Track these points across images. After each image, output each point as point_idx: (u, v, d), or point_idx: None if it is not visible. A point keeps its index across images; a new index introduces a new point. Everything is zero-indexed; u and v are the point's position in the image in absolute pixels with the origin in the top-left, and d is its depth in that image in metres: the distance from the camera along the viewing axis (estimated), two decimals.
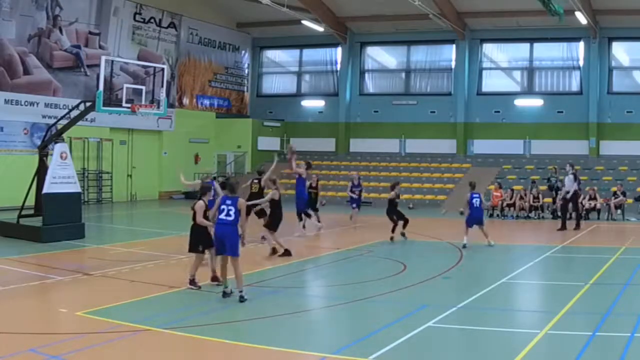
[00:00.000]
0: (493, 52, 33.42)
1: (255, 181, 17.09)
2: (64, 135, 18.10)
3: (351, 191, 21.08)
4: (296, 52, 37.15)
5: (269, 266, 13.55)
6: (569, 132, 30.69)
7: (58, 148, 17.03)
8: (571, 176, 21.06)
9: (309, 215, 18.75)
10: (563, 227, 20.62)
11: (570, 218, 22.15)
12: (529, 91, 32.23)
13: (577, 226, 20.85)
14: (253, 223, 15.77)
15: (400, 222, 17.50)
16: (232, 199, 10.11)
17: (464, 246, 15.89)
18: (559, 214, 23.94)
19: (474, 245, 16.86)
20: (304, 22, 31.36)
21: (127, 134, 30.00)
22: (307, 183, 18.88)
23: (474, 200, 16.55)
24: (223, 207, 10.05)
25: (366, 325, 9.09)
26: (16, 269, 12.82)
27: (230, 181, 10.88)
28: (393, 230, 17.39)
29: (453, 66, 33.22)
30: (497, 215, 24.68)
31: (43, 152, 17.65)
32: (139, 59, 28.29)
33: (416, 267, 13.69)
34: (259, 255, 14.75)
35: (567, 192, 20.97)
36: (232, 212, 10.00)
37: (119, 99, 17.58)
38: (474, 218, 16.61)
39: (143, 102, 17.89)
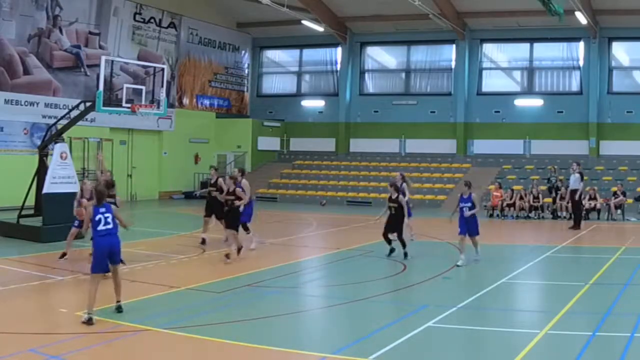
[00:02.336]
0: (493, 52, 33.41)
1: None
2: (64, 135, 18.10)
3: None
4: (296, 52, 37.14)
5: (269, 266, 13.55)
6: (569, 132, 30.68)
7: (58, 148, 17.04)
8: (577, 175, 21.08)
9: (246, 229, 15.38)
10: (576, 225, 20.70)
11: (571, 217, 22.18)
12: (529, 91, 32.22)
13: (576, 226, 20.86)
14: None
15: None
16: (105, 206, 9.38)
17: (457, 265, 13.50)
18: (562, 213, 23.99)
19: None
20: (304, 22, 31.35)
21: (127, 134, 29.99)
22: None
23: (462, 206, 13.86)
24: (99, 216, 9.21)
25: (366, 325, 9.09)
26: (16, 269, 12.83)
27: (98, 189, 9.84)
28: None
29: (453, 66, 33.20)
30: (497, 215, 24.68)
31: (43, 152, 17.66)
32: (139, 59, 28.29)
33: (416, 267, 13.68)
34: (257, 256, 14.75)
35: (577, 190, 20.97)
36: (109, 220, 9.30)
37: (119, 99, 17.59)
38: (461, 225, 13.88)
39: (143, 102, 17.90)
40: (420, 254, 15.42)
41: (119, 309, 9.32)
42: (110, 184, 11.82)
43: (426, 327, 8.73)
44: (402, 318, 9.45)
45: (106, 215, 9.25)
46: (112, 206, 9.83)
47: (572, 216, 21.78)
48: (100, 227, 9.19)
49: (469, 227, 13.76)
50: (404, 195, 15.39)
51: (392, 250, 14.60)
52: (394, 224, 14.46)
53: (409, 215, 15.32)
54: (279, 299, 10.76)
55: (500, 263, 14.77)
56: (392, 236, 14.55)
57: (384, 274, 12.89)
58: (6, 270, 12.63)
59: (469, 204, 13.73)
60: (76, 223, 13.82)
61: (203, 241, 15.94)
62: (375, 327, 8.92)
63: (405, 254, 14.30)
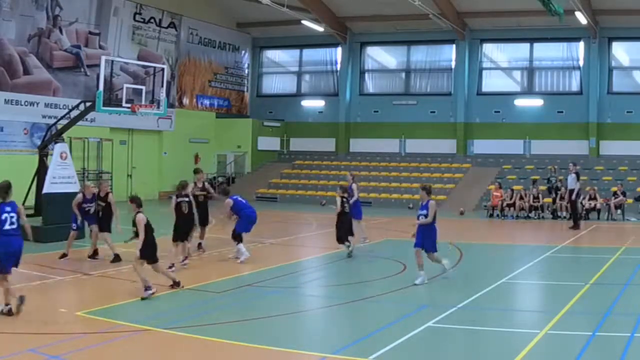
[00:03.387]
0: (493, 52, 33.40)
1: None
2: (64, 135, 18.10)
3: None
4: (296, 52, 37.14)
5: (269, 266, 13.55)
6: (569, 132, 30.68)
7: (58, 148, 17.04)
8: (574, 175, 21.09)
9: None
10: (576, 226, 20.67)
11: (571, 217, 22.15)
12: (529, 91, 32.22)
13: (575, 226, 20.81)
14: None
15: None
16: (10, 204, 9.06)
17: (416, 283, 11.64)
18: (562, 213, 23.97)
19: (474, 245, 16.86)
20: (304, 22, 31.35)
21: (127, 134, 29.99)
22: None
23: (419, 214, 11.98)
24: (5, 215, 8.85)
25: (366, 325, 9.10)
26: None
27: (2, 184, 9.36)
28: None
29: (453, 66, 33.20)
30: (497, 215, 24.69)
31: (43, 152, 17.66)
32: (139, 59, 28.29)
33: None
34: (257, 256, 14.74)
35: (573, 191, 20.97)
36: (15, 220, 8.96)
37: (119, 99, 17.60)
38: (417, 236, 11.94)
39: (143, 102, 17.90)
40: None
41: (9, 312, 8.87)
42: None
43: (426, 327, 8.72)
44: (402, 318, 9.45)
45: (11, 214, 8.92)
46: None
47: (576, 215, 21.67)
48: (7, 227, 8.86)
49: (424, 240, 11.80)
50: (353, 195, 15.70)
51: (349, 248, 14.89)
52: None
53: (359, 217, 16.07)
54: (279, 299, 10.76)
55: (500, 263, 14.80)
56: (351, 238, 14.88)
57: (384, 274, 12.88)
58: None
59: (425, 212, 11.74)
60: (74, 226, 13.86)
61: (199, 245, 15.12)
62: (375, 327, 8.91)
63: (350, 254, 14.64)
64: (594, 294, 11.10)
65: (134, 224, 10.58)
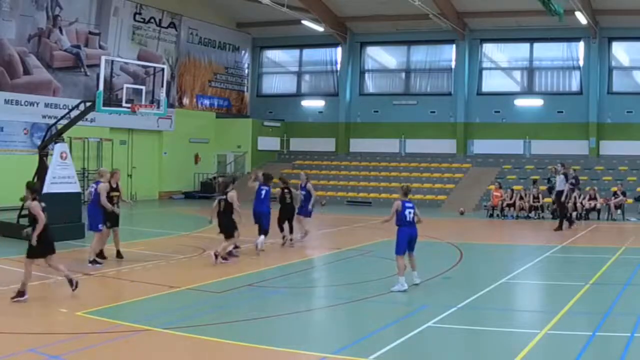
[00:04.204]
0: (493, 52, 33.40)
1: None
2: (64, 135, 18.09)
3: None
4: (296, 52, 37.14)
5: (269, 266, 13.56)
6: (569, 132, 30.68)
7: (58, 148, 17.03)
8: (562, 176, 20.97)
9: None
10: (570, 225, 20.64)
11: (571, 217, 22.08)
12: (529, 91, 32.22)
13: (560, 227, 20.40)
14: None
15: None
16: None
17: (405, 290, 10.92)
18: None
19: (474, 245, 16.84)
20: (304, 22, 31.35)
21: (127, 134, 29.99)
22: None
23: (407, 212, 11.12)
24: None
25: (366, 325, 9.10)
26: (16, 269, 12.81)
27: None
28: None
29: (453, 66, 33.20)
30: (497, 215, 24.68)
31: (43, 152, 17.65)
32: (139, 59, 28.29)
33: (416, 267, 13.66)
34: (257, 256, 14.74)
35: (561, 192, 20.88)
36: None
37: (119, 99, 17.58)
38: (410, 237, 11.27)
39: (143, 102, 17.89)
40: (420, 254, 15.41)
41: None
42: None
43: (426, 327, 8.73)
44: (402, 318, 9.46)
45: None
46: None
47: (563, 217, 21.43)
48: None
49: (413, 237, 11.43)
50: (311, 195, 16.87)
51: (285, 237, 16.35)
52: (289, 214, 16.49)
53: (308, 213, 16.93)
54: (280, 299, 10.76)
55: (500, 263, 14.80)
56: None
57: (384, 274, 12.86)
58: (6, 270, 12.63)
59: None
60: (100, 226, 13.33)
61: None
62: (375, 327, 8.92)
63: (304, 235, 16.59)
64: (594, 294, 11.10)
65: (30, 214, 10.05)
